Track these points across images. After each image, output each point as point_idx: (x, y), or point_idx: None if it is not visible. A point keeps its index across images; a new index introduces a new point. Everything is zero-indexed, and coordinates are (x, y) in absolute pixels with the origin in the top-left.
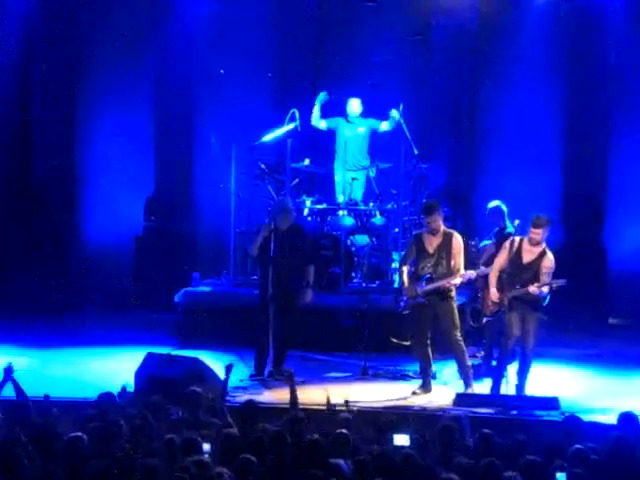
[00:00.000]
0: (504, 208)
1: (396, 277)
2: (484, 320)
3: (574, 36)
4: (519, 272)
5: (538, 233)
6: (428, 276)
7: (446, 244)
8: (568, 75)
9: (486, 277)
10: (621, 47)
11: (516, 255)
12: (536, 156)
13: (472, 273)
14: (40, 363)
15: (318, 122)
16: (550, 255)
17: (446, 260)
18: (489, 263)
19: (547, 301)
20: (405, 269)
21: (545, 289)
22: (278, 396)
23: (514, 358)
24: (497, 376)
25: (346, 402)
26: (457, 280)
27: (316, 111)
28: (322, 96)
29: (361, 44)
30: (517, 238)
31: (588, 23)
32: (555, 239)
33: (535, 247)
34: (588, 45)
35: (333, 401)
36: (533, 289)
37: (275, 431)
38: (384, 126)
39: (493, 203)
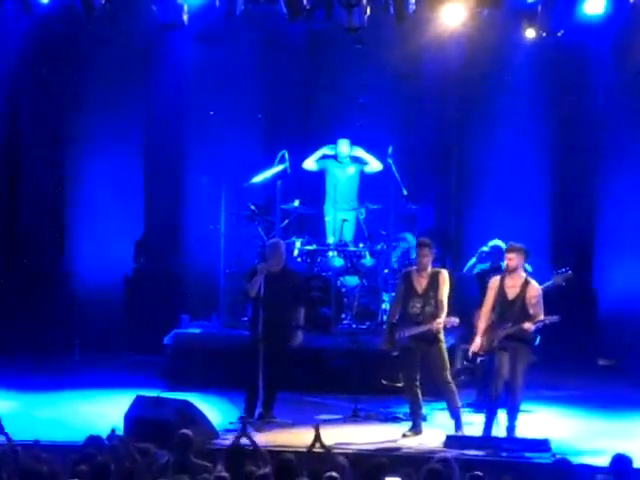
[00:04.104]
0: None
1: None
2: (478, 360)
3: (562, 75)
4: (507, 309)
5: (511, 258)
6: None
7: (433, 282)
8: (556, 114)
9: None
10: (608, 88)
11: (501, 293)
12: (524, 196)
13: (455, 320)
14: (28, 406)
15: (309, 163)
16: (534, 284)
17: (434, 299)
18: None
19: (537, 341)
20: (396, 310)
21: (539, 322)
22: (267, 439)
23: (504, 400)
24: (488, 418)
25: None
26: (439, 326)
27: (315, 156)
28: (329, 148)
29: (350, 85)
30: (498, 277)
31: (575, 62)
32: (544, 279)
33: (515, 279)
34: (576, 85)
35: (325, 442)
36: (528, 325)
37: (261, 474)
38: (369, 168)
39: (492, 242)
